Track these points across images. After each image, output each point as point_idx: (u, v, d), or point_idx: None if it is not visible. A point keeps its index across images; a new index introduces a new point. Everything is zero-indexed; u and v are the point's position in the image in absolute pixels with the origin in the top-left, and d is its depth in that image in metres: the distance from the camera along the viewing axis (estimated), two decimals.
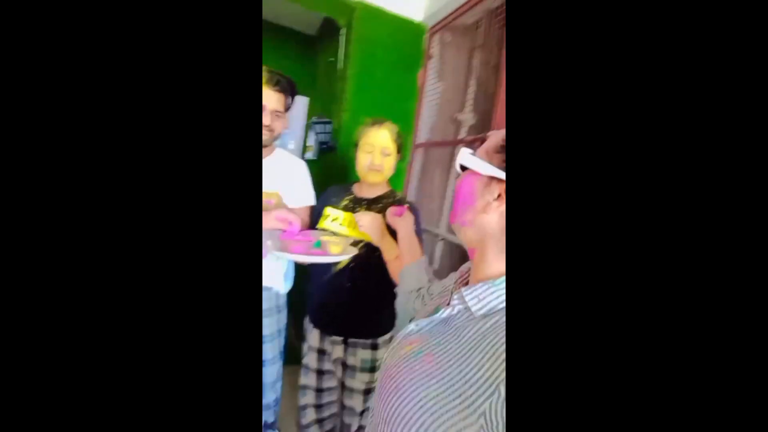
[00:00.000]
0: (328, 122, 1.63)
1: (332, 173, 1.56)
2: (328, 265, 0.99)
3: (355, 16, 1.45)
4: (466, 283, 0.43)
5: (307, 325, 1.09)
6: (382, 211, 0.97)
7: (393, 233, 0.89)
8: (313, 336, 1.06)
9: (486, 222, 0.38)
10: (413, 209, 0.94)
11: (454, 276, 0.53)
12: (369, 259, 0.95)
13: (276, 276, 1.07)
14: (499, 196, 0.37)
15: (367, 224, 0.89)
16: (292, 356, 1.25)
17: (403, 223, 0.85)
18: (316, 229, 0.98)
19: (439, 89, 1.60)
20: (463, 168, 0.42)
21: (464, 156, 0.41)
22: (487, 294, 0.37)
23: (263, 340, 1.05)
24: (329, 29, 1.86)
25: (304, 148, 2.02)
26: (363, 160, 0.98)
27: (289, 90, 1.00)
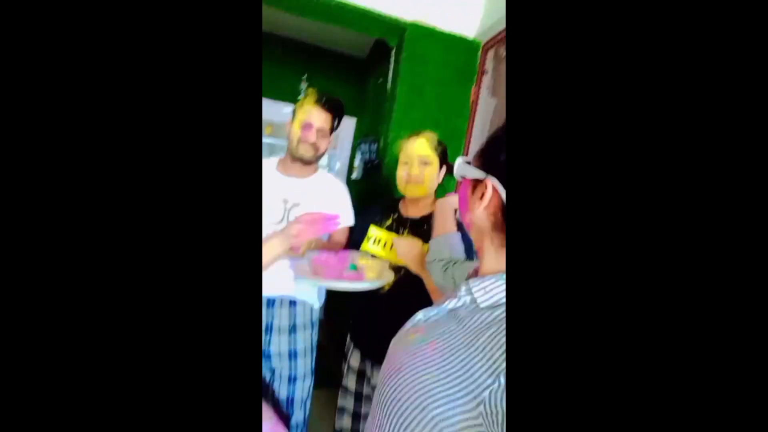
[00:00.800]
0: (374, 141, 1.61)
1: (377, 191, 1.51)
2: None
3: (406, 37, 1.44)
4: (475, 276, 0.44)
5: (349, 343, 1.02)
6: (426, 234, 0.88)
7: None
8: (354, 356, 0.99)
9: (479, 220, 0.41)
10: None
11: (472, 264, 0.57)
12: (412, 284, 0.85)
13: (309, 290, 1.01)
14: (482, 195, 0.39)
15: (405, 252, 0.82)
16: (327, 377, 1.17)
17: (445, 204, 0.81)
18: (359, 251, 0.93)
19: (493, 104, 1.51)
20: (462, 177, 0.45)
21: (459, 165, 0.44)
22: (494, 287, 0.38)
23: (295, 355, 1.00)
24: (380, 51, 1.89)
25: (351, 169, 2.03)
26: (400, 173, 0.92)
27: (336, 110, 1.00)
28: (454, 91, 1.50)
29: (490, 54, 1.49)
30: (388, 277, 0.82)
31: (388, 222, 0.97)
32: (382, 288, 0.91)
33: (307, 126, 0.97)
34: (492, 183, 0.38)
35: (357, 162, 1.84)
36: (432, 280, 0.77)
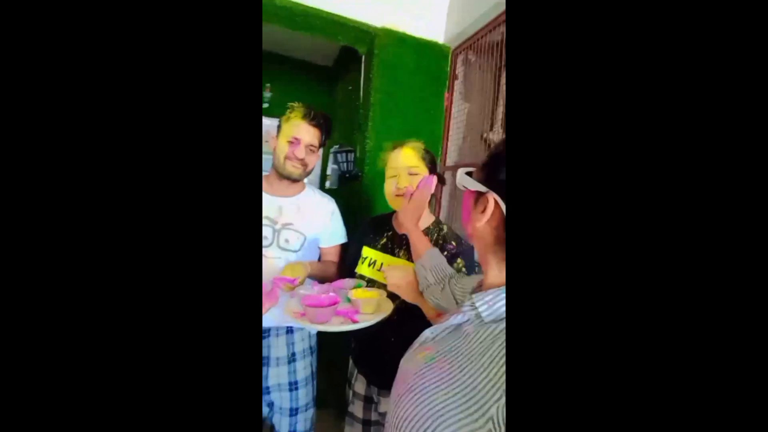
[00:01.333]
0: (351, 151, 1.57)
1: (358, 204, 1.48)
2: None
3: (376, 43, 1.42)
4: (479, 291, 0.43)
5: (352, 369, 0.96)
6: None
7: None
8: (359, 382, 0.93)
9: (481, 233, 0.41)
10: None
11: (476, 277, 0.56)
12: (415, 307, 0.79)
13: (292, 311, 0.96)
14: (484, 209, 0.40)
15: (397, 281, 0.74)
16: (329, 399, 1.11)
17: (406, 220, 0.79)
18: (355, 275, 0.89)
19: (465, 109, 1.54)
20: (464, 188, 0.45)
21: (460, 175, 0.44)
22: (497, 300, 0.38)
23: (296, 385, 0.94)
24: (347, 58, 1.85)
25: (323, 177, 1.97)
26: (389, 187, 0.88)
27: (325, 126, 0.96)
28: (428, 96, 1.51)
29: (460, 59, 1.51)
30: (387, 310, 0.76)
31: (383, 240, 0.93)
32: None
33: (294, 142, 0.91)
34: (494, 197, 0.39)
35: (330, 171, 1.79)
36: (429, 307, 0.73)
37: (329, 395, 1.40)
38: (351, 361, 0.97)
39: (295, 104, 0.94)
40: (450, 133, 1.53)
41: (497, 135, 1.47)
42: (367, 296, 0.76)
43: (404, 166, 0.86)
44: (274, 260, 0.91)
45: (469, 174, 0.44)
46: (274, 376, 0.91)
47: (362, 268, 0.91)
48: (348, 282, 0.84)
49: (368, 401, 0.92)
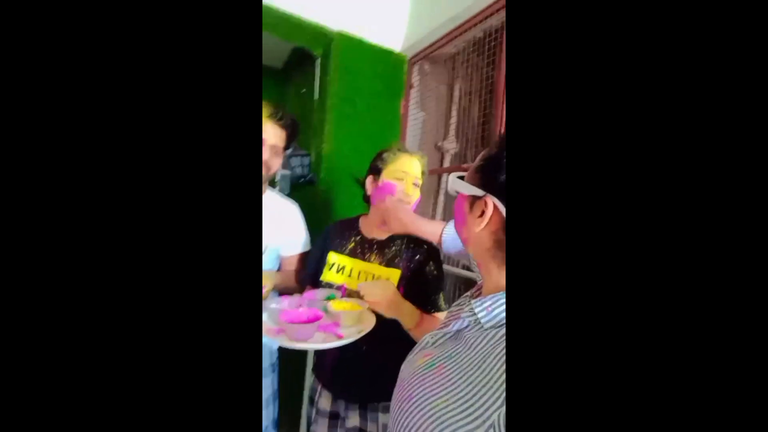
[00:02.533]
0: (306, 155, 1.51)
1: (313, 209, 1.41)
2: None
3: (333, 46, 1.39)
4: (479, 296, 0.43)
5: (315, 384, 0.89)
6: (397, 255, 0.84)
7: (412, 295, 0.76)
8: (323, 398, 0.86)
9: (479, 238, 0.40)
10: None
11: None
12: (385, 320, 0.76)
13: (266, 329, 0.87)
14: (482, 213, 0.39)
15: (377, 298, 0.71)
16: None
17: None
18: (321, 283, 0.83)
19: (421, 118, 1.57)
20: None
21: (452, 180, 0.43)
22: (496, 305, 0.38)
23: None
24: (299, 60, 1.78)
25: (273, 184, 1.86)
26: (383, 186, 0.84)
27: (291, 127, 0.89)
28: (384, 103, 1.51)
29: (416, 68, 1.54)
30: (369, 321, 0.70)
31: (351, 245, 0.88)
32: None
33: None
34: (492, 201, 0.38)
35: (278, 176, 1.70)
36: (409, 319, 0.72)
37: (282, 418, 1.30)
38: (313, 377, 0.90)
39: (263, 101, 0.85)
40: (407, 140, 1.55)
41: (451, 144, 1.52)
42: (347, 308, 0.70)
43: (413, 175, 0.84)
44: None
45: (461, 178, 0.43)
46: None
47: (329, 275, 0.86)
48: (319, 293, 0.78)
49: (334, 417, 0.86)
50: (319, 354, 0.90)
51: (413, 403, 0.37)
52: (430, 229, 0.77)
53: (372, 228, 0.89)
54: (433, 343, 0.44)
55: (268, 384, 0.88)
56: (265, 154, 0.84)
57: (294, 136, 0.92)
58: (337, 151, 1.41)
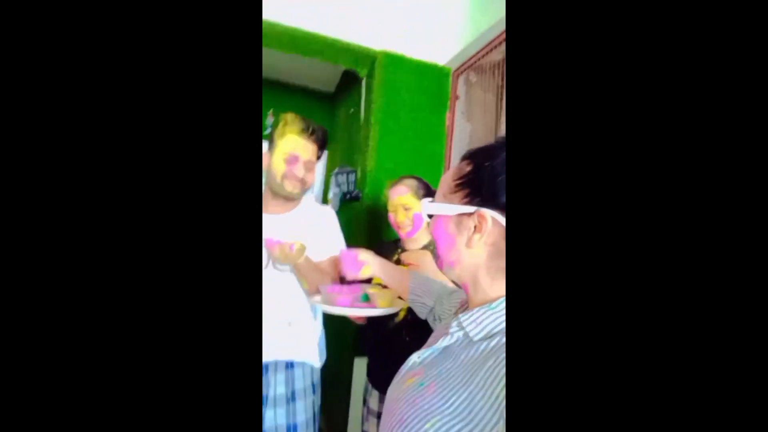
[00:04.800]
0: (352, 171, 1.54)
1: (358, 223, 1.43)
2: (383, 321, 0.86)
3: (376, 65, 1.42)
4: (465, 310, 0.42)
5: (366, 384, 0.96)
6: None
7: None
8: (373, 398, 0.91)
9: (472, 255, 0.40)
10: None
11: (457, 295, 0.58)
12: None
13: (308, 348, 0.88)
14: (475, 228, 0.39)
15: (370, 260, 0.79)
16: None
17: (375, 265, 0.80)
18: (367, 281, 0.86)
19: (468, 129, 1.52)
20: (431, 216, 0.44)
21: (427, 206, 0.43)
22: (485, 318, 0.38)
23: (295, 429, 0.84)
24: (349, 82, 1.86)
25: (325, 202, 1.93)
26: (390, 220, 0.97)
27: (323, 140, 0.92)
28: (428, 117, 1.49)
29: (461, 80, 1.51)
30: (400, 304, 0.79)
31: (395, 257, 0.96)
32: (397, 316, 0.87)
33: (292, 159, 0.86)
34: (489, 214, 0.37)
35: (331, 194, 1.76)
36: (392, 280, 0.77)
37: None
38: (366, 378, 0.96)
39: (288, 116, 0.88)
40: (452, 152, 1.51)
41: None
42: (382, 293, 0.79)
43: (399, 204, 0.93)
44: (266, 284, 0.84)
45: (431, 201, 0.43)
46: (270, 418, 0.81)
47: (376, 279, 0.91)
48: (364, 285, 0.82)
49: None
50: (369, 353, 0.97)
51: (407, 425, 0.35)
52: (401, 277, 0.76)
53: (408, 242, 0.97)
54: (421, 362, 0.42)
55: (309, 405, 0.87)
56: (300, 171, 0.87)
57: (324, 147, 0.93)
58: (380, 167, 1.42)
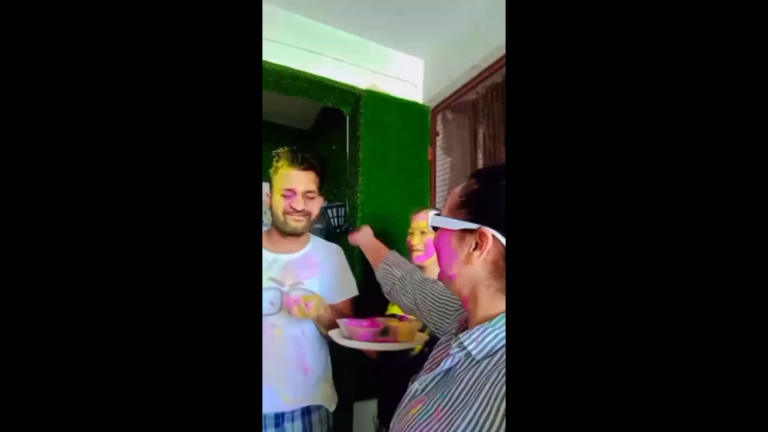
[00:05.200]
0: (341, 206, 1.55)
1: (349, 256, 1.41)
2: (401, 356, 0.84)
3: (361, 104, 1.49)
4: (465, 330, 0.42)
5: (379, 426, 0.92)
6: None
7: None
8: None
9: (472, 271, 0.40)
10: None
11: (431, 285, 0.62)
12: None
13: (322, 391, 0.83)
14: (476, 245, 0.39)
15: (359, 236, 0.90)
16: None
17: (362, 238, 0.89)
18: (385, 315, 0.86)
19: (448, 163, 1.61)
20: (435, 228, 0.45)
21: (433, 218, 0.44)
22: (485, 335, 0.37)
23: None
24: (327, 120, 1.91)
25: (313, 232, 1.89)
26: (408, 242, 1.02)
27: (319, 166, 0.90)
28: (412, 152, 1.57)
29: (439, 117, 1.62)
30: (421, 338, 0.79)
31: None
32: (412, 350, 0.84)
33: (289, 194, 0.85)
34: (490, 232, 0.38)
35: (319, 228, 1.74)
36: (371, 251, 0.85)
37: None
38: (378, 422, 0.93)
39: (281, 150, 0.87)
40: (437, 183, 1.58)
41: None
42: (402, 327, 0.78)
43: (417, 227, 0.99)
44: (282, 330, 0.79)
45: (437, 215, 0.44)
46: None
47: (393, 309, 0.91)
48: (381, 319, 0.81)
49: None
50: (380, 394, 0.94)
51: None
52: (379, 248, 0.84)
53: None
54: (423, 390, 0.42)
55: None
56: (300, 205, 0.84)
57: (323, 174, 0.90)
58: (369, 201, 1.44)
